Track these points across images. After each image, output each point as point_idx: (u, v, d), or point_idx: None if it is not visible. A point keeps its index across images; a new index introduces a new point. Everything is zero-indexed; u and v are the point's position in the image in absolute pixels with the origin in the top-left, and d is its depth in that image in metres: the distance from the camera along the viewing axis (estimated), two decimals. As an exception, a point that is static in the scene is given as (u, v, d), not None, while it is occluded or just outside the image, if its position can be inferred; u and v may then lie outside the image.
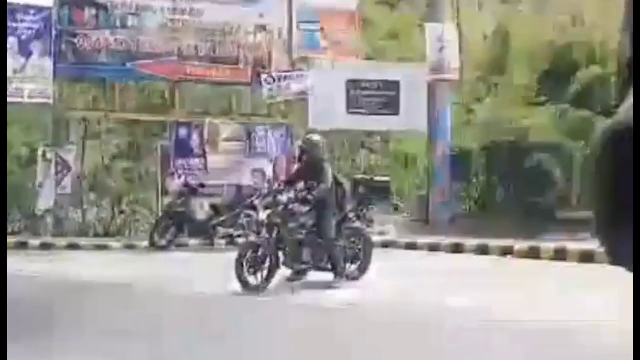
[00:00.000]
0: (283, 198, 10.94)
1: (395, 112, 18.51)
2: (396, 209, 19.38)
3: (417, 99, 18.25)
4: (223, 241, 15.31)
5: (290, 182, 11.38)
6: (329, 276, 11.10)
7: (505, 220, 16.52)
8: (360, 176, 13.02)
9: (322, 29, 19.31)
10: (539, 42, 27.30)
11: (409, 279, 12.00)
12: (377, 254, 12.96)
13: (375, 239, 16.46)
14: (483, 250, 15.23)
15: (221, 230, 15.76)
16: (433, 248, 15.86)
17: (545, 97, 21.17)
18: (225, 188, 17.67)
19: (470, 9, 27.63)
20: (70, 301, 9.95)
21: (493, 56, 25.15)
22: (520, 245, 14.98)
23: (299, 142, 12.09)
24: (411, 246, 16.17)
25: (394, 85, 18.60)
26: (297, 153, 11.71)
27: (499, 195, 17.25)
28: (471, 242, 15.64)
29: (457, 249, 15.55)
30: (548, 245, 14.80)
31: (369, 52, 21.07)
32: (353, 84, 18.49)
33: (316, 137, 11.62)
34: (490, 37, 26.38)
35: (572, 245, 14.30)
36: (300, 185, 11.12)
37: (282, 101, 18.47)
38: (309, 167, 11.10)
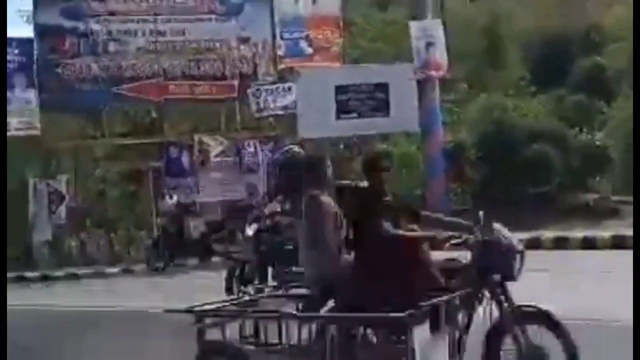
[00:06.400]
0: (267, 212, 10.80)
1: (386, 114, 18.27)
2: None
3: (407, 99, 18.00)
4: (220, 259, 15.12)
5: (273, 195, 11.24)
6: None
7: (504, 211, 16.25)
8: (344, 182, 12.74)
9: (306, 36, 19.16)
10: (530, 31, 27.18)
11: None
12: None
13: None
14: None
15: (217, 248, 15.59)
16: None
17: (539, 85, 20.95)
18: (219, 204, 17.54)
19: (459, 3, 27.53)
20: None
21: (484, 49, 25.01)
22: (521, 236, 14.74)
23: (276, 155, 11.94)
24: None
25: (383, 87, 18.35)
26: (276, 167, 11.57)
27: (497, 188, 16.99)
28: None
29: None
30: (549, 234, 14.60)
31: (356, 56, 20.90)
32: (341, 90, 18.26)
33: (295, 149, 11.50)
34: (480, 30, 26.25)
35: (575, 234, 14.13)
36: (284, 197, 10.97)
37: (270, 114, 18.33)
38: (291, 179, 10.95)
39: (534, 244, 14.35)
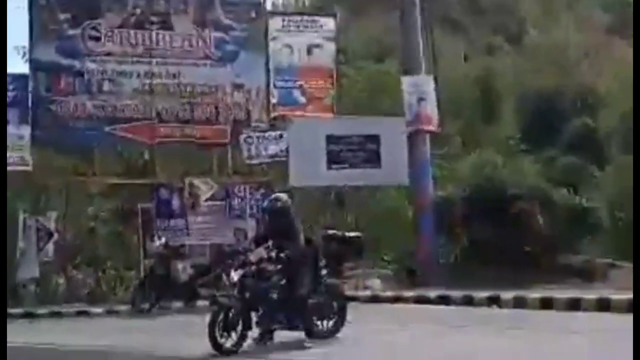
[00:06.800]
0: (253, 258, 10.79)
1: (377, 166, 18.39)
2: (386, 261, 19.23)
3: (398, 152, 18.17)
4: (206, 302, 15.06)
5: (260, 242, 11.24)
6: (299, 335, 10.89)
7: (491, 269, 16.34)
8: (332, 232, 12.78)
9: (300, 86, 19.37)
10: (523, 92, 27.54)
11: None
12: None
13: (361, 294, 16.38)
14: (469, 301, 15.03)
15: (203, 292, 15.58)
16: (419, 301, 15.63)
17: (529, 144, 21.13)
18: (207, 248, 17.57)
19: (454, 60, 27.93)
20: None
21: (476, 106, 25.31)
22: (506, 295, 14.79)
23: (265, 203, 11.97)
24: (397, 299, 15.96)
25: (374, 139, 18.50)
26: (264, 213, 11.59)
27: (484, 245, 17.08)
28: (458, 292, 15.43)
29: (443, 300, 15.33)
30: (534, 294, 14.62)
31: (349, 107, 21.10)
32: (333, 140, 18.39)
33: (283, 197, 11.56)
34: (474, 87, 26.60)
35: (558, 294, 14.17)
36: (270, 244, 10.98)
37: (261, 161, 18.45)
38: (278, 225, 11.00)
39: (520, 304, 14.43)
